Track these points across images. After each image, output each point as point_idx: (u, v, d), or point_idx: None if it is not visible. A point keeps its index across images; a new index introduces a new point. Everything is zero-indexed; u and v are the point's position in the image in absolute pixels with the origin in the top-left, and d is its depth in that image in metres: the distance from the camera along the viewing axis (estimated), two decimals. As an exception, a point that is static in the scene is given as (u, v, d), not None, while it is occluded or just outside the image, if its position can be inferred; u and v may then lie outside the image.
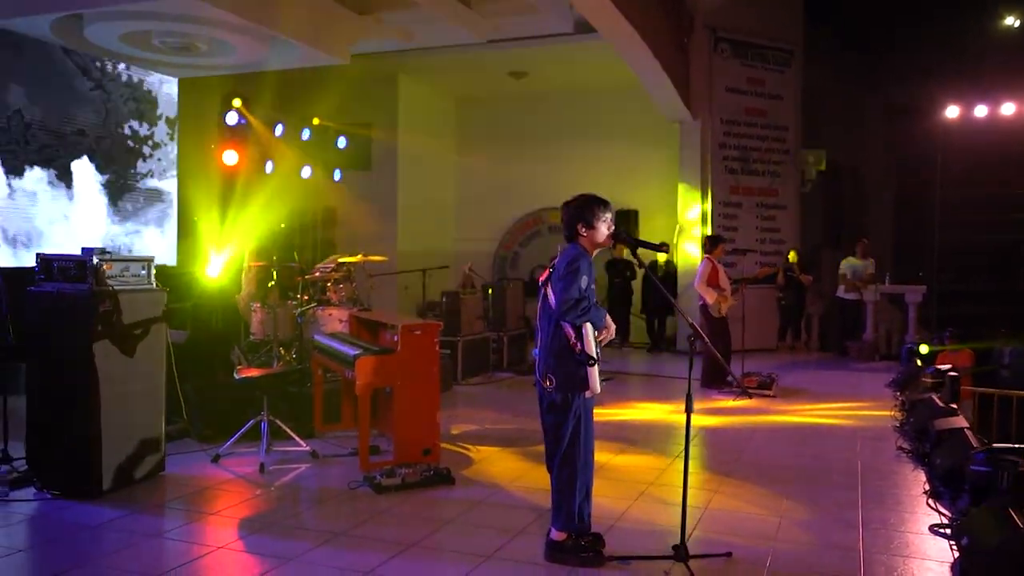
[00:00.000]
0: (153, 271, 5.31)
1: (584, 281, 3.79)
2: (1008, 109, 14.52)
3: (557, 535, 3.98)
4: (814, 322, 13.43)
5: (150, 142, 11.27)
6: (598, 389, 3.85)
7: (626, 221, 14.22)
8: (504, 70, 13.71)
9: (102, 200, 10.66)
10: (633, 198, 14.41)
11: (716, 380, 9.18)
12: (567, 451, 3.90)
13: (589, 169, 14.63)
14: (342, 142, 13.19)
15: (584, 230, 3.94)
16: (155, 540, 4.26)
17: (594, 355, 3.78)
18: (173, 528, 4.45)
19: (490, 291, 10.69)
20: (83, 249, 4.97)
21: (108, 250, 5.05)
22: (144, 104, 11.16)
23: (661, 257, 13.01)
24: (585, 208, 3.94)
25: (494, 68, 13.56)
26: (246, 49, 9.44)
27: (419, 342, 5.62)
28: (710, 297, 8.97)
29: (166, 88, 11.45)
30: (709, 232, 12.30)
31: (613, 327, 4.00)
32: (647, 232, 14.24)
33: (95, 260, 4.93)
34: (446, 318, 9.72)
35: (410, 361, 5.58)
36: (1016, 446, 4.60)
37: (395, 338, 5.67)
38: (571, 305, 3.76)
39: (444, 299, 10.02)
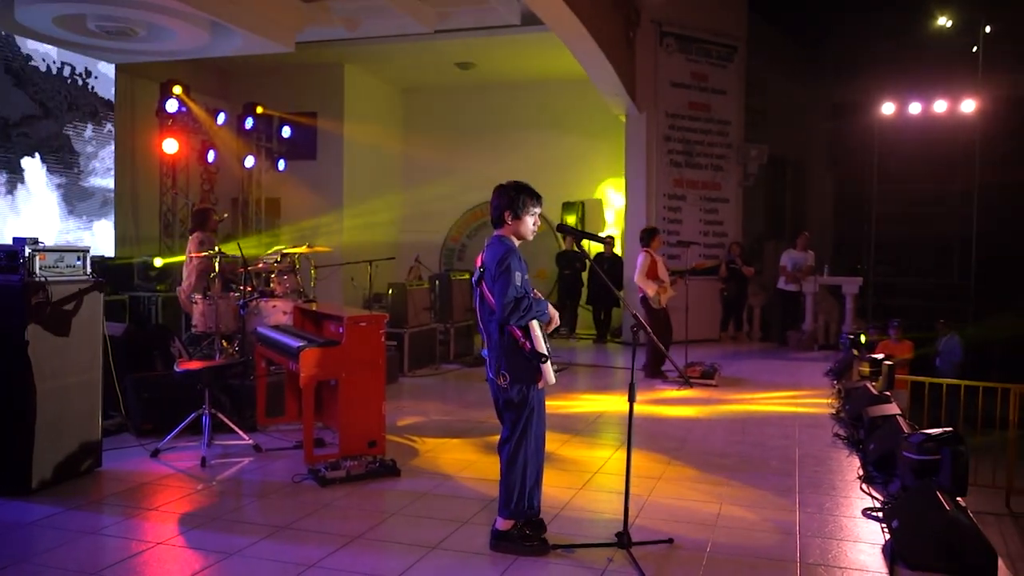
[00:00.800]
0: (89, 262, 5.18)
1: (518, 278, 3.77)
2: (940, 107, 14.97)
3: (503, 524, 4.00)
4: (755, 313, 13.69)
5: (90, 133, 10.96)
6: (552, 380, 3.86)
7: (572, 213, 14.32)
8: (451, 60, 13.67)
9: (52, 196, 10.36)
10: (580, 190, 14.51)
11: (660, 370, 9.33)
12: (520, 440, 3.93)
13: (536, 160, 14.69)
14: (287, 131, 13.02)
15: (511, 219, 3.92)
16: (92, 537, 4.17)
17: (545, 352, 3.78)
18: (110, 524, 4.36)
19: (437, 283, 10.65)
20: (14, 239, 4.82)
21: (40, 240, 4.91)
22: (83, 95, 10.85)
23: (595, 248, 13.11)
24: (518, 196, 3.92)
25: (441, 58, 13.51)
26: (186, 35, 9.24)
27: (365, 334, 5.58)
28: (650, 289, 9.10)
29: (104, 75, 11.14)
30: (652, 225, 12.45)
31: (556, 314, 4.02)
32: (593, 224, 14.35)
33: (27, 251, 4.79)
34: (392, 310, 9.67)
35: (355, 353, 5.54)
36: (943, 431, 4.77)
37: (340, 330, 5.62)
38: (512, 308, 3.74)
39: (391, 291, 9.95)
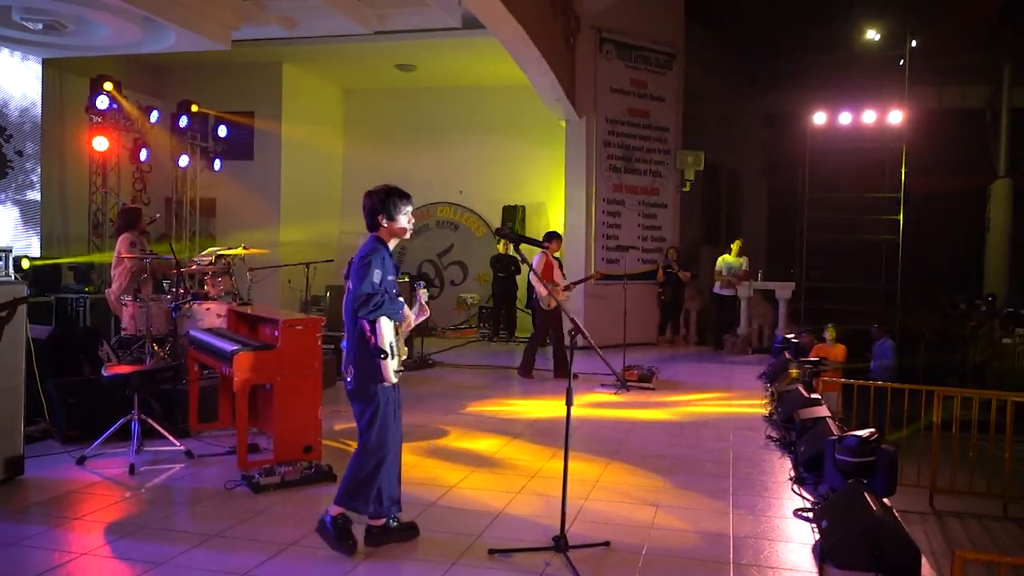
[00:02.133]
0: (11, 262, 5.00)
1: (377, 275, 3.87)
2: (869, 117, 15.45)
3: (335, 509, 4.03)
4: (692, 317, 13.90)
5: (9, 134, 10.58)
6: (392, 379, 3.95)
7: (512, 217, 14.35)
8: (391, 62, 13.58)
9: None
10: (520, 194, 14.55)
11: (564, 371, 9.49)
12: (370, 438, 4.01)
13: (477, 164, 14.70)
14: (223, 130, 12.77)
15: (385, 221, 4.01)
16: (12, 548, 4.01)
17: (386, 349, 3.89)
18: (33, 535, 4.20)
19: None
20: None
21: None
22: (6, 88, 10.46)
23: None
24: (387, 199, 4.00)
25: (381, 60, 13.41)
26: (117, 30, 8.98)
27: (301, 337, 5.51)
28: (541, 289, 9.21)
29: (30, 69, 10.76)
30: (594, 232, 12.55)
31: (412, 319, 4.12)
32: (533, 228, 14.40)
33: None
34: (330, 313, 9.54)
35: (291, 357, 5.47)
36: (870, 432, 4.91)
37: (276, 333, 5.54)
38: (362, 301, 3.84)
39: (328, 294, 9.83)
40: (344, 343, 4.07)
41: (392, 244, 4.05)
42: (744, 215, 19.16)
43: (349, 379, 4.01)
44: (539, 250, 9.28)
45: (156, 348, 7.59)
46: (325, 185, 15.02)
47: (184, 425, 6.33)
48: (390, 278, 3.95)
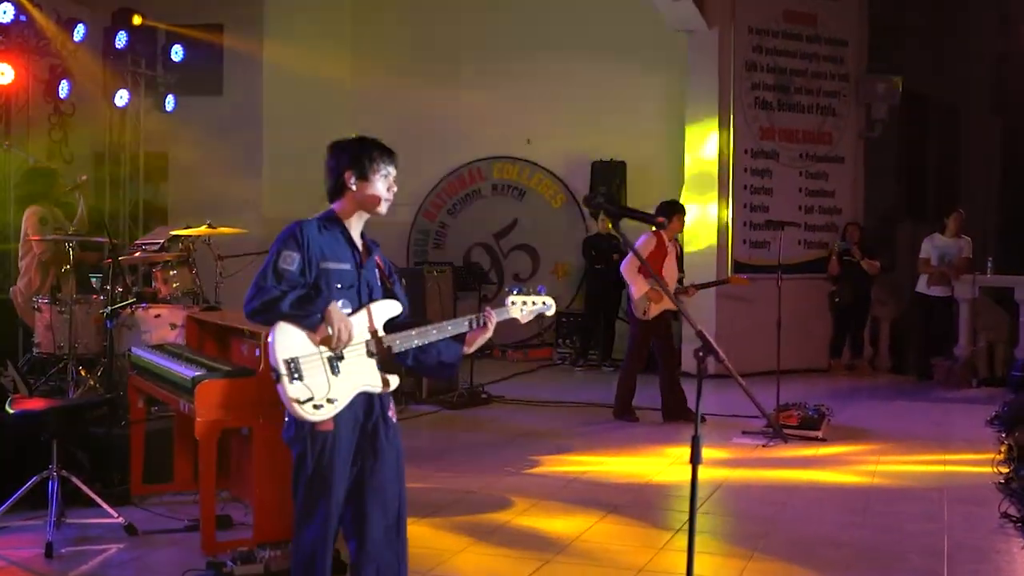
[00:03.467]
0: None
1: (289, 260, 3.94)
2: None
3: None
4: (883, 330, 13.66)
5: None
6: (298, 415, 3.88)
7: (609, 179, 14.30)
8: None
9: None
10: (620, 146, 14.48)
11: (630, 407, 9.51)
12: (297, 500, 4.04)
13: (553, 101, 14.66)
14: (178, 52, 12.99)
15: (353, 180, 4.12)
16: None
17: (279, 367, 3.85)
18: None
19: (402, 282, 10.63)
20: None
21: None
22: None
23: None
24: (362, 152, 4.16)
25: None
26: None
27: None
28: (636, 288, 9.16)
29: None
30: (731, 198, 12.47)
31: (345, 328, 3.95)
32: (639, 193, 14.31)
33: None
34: (336, 322, 9.67)
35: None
36: None
37: (257, 352, 5.61)
38: (254, 295, 3.92)
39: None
40: None
41: (355, 220, 4.19)
42: (965, 175, 18.71)
43: (287, 418, 4.09)
44: (648, 229, 9.25)
45: (83, 373, 7.77)
46: (327, 134, 14.99)
47: (124, 487, 6.43)
48: (337, 266, 4.04)
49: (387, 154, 4.19)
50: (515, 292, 4.37)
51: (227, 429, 5.62)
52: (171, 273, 8.15)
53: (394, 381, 4.10)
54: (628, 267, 9.28)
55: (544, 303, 4.41)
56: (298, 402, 3.85)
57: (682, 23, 12.69)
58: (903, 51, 15.23)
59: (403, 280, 4.48)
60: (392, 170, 4.20)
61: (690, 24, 12.63)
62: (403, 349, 4.12)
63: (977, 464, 8.07)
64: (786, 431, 8.93)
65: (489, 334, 4.30)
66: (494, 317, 4.28)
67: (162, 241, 8.38)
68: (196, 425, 5.43)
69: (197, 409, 5.39)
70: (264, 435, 5.52)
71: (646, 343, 9.54)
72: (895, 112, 13.88)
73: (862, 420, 9.94)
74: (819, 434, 8.98)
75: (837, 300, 13.12)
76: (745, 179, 12.82)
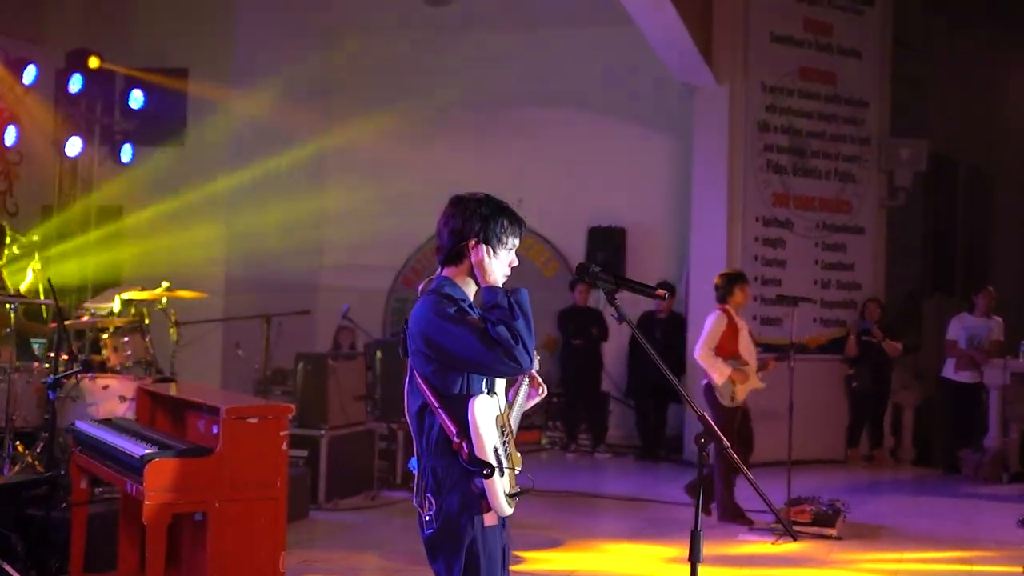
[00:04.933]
0: None
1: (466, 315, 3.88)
2: None
3: None
4: (906, 417, 13.64)
5: None
6: (506, 510, 3.91)
7: (607, 245, 14.36)
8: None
9: None
10: (618, 209, 14.55)
11: (739, 509, 9.32)
12: None
13: (547, 160, 14.72)
14: (138, 99, 13.06)
15: (477, 253, 4.03)
16: None
17: (490, 458, 3.83)
18: None
19: (379, 354, 10.64)
20: None
21: None
22: None
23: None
24: (493, 217, 4.07)
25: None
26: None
27: (255, 436, 5.60)
28: (718, 374, 9.12)
29: None
30: (735, 268, 12.52)
31: (536, 375, 4.12)
32: (639, 262, 14.35)
33: None
34: (303, 397, 9.65)
35: (238, 468, 5.54)
36: None
37: (214, 429, 5.61)
38: (502, 349, 3.79)
39: (301, 366, 9.95)
40: (412, 462, 4.06)
41: (471, 290, 4.10)
42: (998, 248, 18.78)
43: (427, 517, 4.00)
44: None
45: (21, 449, 7.73)
46: (300, 189, 15.20)
47: (63, 576, 6.40)
48: None
49: (518, 225, 4.15)
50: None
51: (179, 514, 5.60)
52: (122, 340, 8.15)
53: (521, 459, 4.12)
54: (704, 353, 9.22)
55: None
56: (508, 496, 3.90)
57: (689, 77, 12.80)
58: (929, 111, 15.36)
59: None
60: (517, 242, 4.18)
61: (697, 79, 12.74)
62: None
63: (1007, 563, 8.06)
64: (797, 528, 8.86)
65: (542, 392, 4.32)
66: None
67: (113, 304, 8.38)
68: (144, 508, 5.41)
69: (146, 491, 5.38)
70: (221, 521, 5.51)
71: (734, 431, 9.23)
72: (920, 178, 13.96)
73: (881, 517, 9.91)
74: (834, 532, 8.94)
75: (855, 384, 13.10)
76: (756, 249, 12.87)
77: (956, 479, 12.29)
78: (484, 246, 4.01)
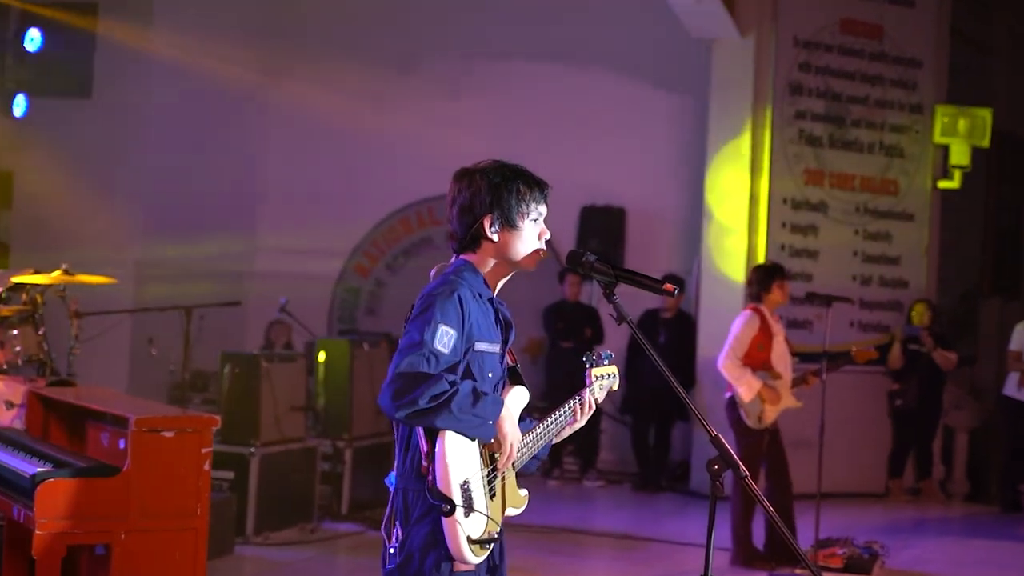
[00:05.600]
0: None
1: (446, 337, 3.87)
2: None
3: None
4: (959, 443, 13.66)
5: None
6: (468, 559, 3.87)
7: (602, 229, 14.35)
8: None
9: None
10: (618, 186, 14.56)
11: (755, 549, 9.34)
12: None
13: (533, 126, 14.69)
14: (35, 40, 12.99)
15: (494, 229, 4.06)
16: None
17: (454, 497, 3.82)
18: None
19: (322, 356, 10.61)
20: None
21: None
22: None
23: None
24: (505, 186, 4.08)
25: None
26: None
27: (170, 454, 5.60)
28: (745, 388, 9.10)
29: None
30: (762, 260, 12.51)
31: (507, 442, 4.03)
32: (642, 249, 14.36)
33: None
34: (229, 407, 9.62)
35: (149, 492, 5.53)
36: None
37: (121, 444, 5.59)
38: (409, 383, 3.79)
39: (227, 369, 9.90)
40: (390, 477, 4.07)
41: (499, 278, 4.17)
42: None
43: (391, 549, 3.98)
44: (740, 304, 9.19)
45: None
46: (234, 154, 15.15)
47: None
48: (485, 347, 4.03)
49: (538, 188, 4.16)
50: (595, 362, 4.35)
51: (76, 546, 5.57)
52: (11, 333, 8.09)
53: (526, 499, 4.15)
54: (729, 362, 9.14)
55: (612, 374, 4.43)
56: (472, 542, 3.86)
57: (706, 30, 12.78)
58: (994, 75, 15.37)
59: None
60: (544, 210, 4.18)
61: (716, 31, 12.74)
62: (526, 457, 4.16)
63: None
64: (828, 573, 8.91)
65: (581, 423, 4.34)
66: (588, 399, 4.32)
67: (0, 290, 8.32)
68: (35, 539, 5.39)
69: (37, 517, 5.36)
70: (127, 556, 5.49)
71: (759, 460, 9.29)
72: (982, 156, 13.97)
73: (928, 563, 9.95)
74: (870, 580, 8.98)
75: (899, 403, 13.07)
76: (783, 237, 12.87)
77: (1018, 518, 12.32)
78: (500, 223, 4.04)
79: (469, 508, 3.84)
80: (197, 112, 14.51)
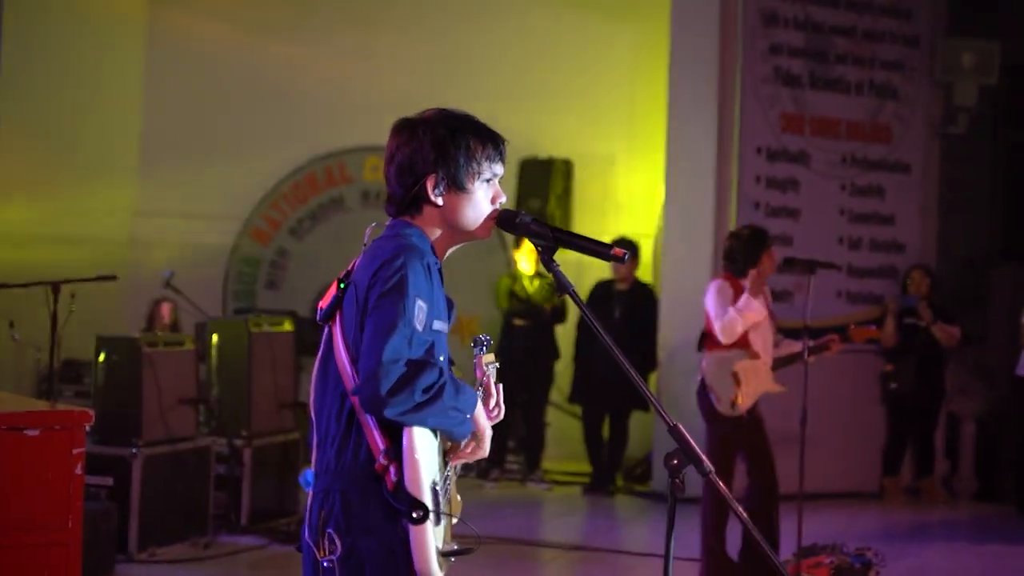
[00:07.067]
0: None
1: (421, 314, 3.84)
2: None
3: None
4: (965, 433, 13.78)
5: None
6: (435, 573, 3.87)
7: (544, 184, 14.38)
8: None
9: None
10: (564, 135, 14.61)
11: (728, 564, 9.40)
12: None
13: (462, 65, 14.72)
14: None
15: (439, 191, 4.02)
16: None
17: (425, 500, 3.81)
18: None
19: (215, 338, 10.58)
20: None
21: None
22: None
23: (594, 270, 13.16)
24: (451, 139, 4.04)
25: None
26: None
27: (35, 456, 5.61)
28: (754, 313, 9.13)
29: None
30: (733, 220, 12.56)
31: (487, 436, 4.07)
32: (591, 209, 14.40)
33: None
34: (106, 400, 9.60)
35: (10, 501, 5.55)
36: None
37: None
38: (401, 379, 3.75)
39: (104, 355, 9.87)
40: (308, 475, 4.06)
41: (446, 248, 4.17)
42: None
43: (326, 564, 3.93)
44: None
45: None
46: (104, 101, 15.11)
47: None
48: (443, 324, 4.05)
49: (493, 144, 4.12)
50: (485, 349, 4.30)
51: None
52: None
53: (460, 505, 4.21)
54: (724, 322, 8.94)
55: (494, 363, 4.35)
56: (439, 553, 3.89)
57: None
58: (1004, 2, 15.48)
59: None
60: (500, 170, 4.16)
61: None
62: None
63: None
64: (813, 588, 8.99)
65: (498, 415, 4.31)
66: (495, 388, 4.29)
67: None
68: None
69: None
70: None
71: (734, 453, 9.33)
72: (990, 96, 14.06)
73: (930, 573, 10.09)
74: (862, 594, 9.05)
75: (894, 386, 13.18)
76: (757, 193, 12.91)
77: (1029, 521, 12.47)
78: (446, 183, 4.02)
79: (438, 516, 3.86)
80: (58, 41, 14.38)
